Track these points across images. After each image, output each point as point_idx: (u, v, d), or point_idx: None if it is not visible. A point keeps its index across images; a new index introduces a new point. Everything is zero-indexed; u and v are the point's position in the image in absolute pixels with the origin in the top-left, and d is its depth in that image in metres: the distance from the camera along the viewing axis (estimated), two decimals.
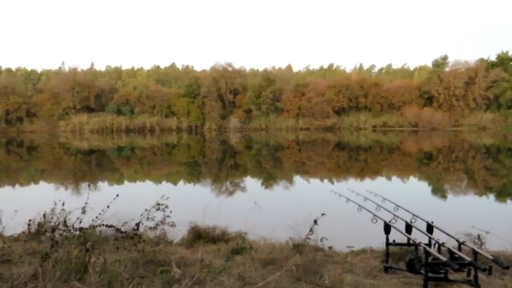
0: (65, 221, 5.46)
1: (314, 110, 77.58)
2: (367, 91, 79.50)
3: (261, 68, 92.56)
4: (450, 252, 4.57)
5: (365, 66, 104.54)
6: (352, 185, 14.80)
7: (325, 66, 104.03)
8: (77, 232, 5.04)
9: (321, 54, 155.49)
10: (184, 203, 11.97)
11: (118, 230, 5.95)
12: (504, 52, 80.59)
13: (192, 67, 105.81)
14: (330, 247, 6.54)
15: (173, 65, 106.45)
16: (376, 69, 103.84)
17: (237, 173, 21.74)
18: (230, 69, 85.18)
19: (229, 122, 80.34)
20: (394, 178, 19.85)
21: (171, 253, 5.87)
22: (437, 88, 77.01)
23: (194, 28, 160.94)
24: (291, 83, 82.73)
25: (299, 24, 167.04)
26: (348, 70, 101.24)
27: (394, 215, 5.63)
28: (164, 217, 6.43)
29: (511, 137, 54.42)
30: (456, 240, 4.94)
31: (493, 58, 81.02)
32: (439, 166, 24.70)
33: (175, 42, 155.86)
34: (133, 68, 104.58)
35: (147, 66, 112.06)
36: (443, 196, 14.81)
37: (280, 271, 4.85)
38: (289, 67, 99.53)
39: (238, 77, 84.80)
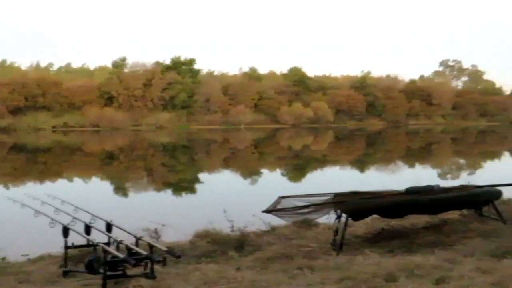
0: None
1: None
2: (46, 90, 75.85)
3: None
4: (128, 248, 4.71)
5: (43, 64, 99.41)
6: (30, 189, 13.91)
7: None
8: None
9: None
10: None
11: None
12: (177, 56, 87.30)
13: None
14: (3, 258, 6.05)
15: None
16: (55, 68, 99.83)
17: None
18: None
19: None
20: (75, 179, 19.47)
21: None
22: (117, 88, 78.46)
23: None
24: None
25: None
26: (23, 68, 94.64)
27: (74, 217, 5.49)
28: None
29: (185, 135, 59.28)
30: (134, 236, 5.12)
31: (168, 61, 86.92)
32: (121, 165, 25.27)
33: None
34: None
35: None
36: (124, 194, 15.20)
37: None
38: None
39: None
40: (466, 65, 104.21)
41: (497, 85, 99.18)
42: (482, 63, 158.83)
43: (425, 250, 5.47)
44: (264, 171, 21.64)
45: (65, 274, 5.16)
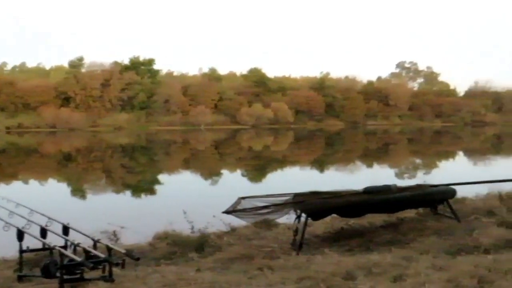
0: None
1: None
2: (0, 90, 73.78)
3: None
4: (85, 251, 4.62)
5: None
6: None
7: None
8: None
9: None
10: None
11: None
12: (136, 56, 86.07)
13: None
14: None
15: None
16: (9, 67, 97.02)
17: None
18: None
19: None
20: (31, 181, 19.00)
21: None
22: (74, 88, 76.83)
23: None
24: None
25: None
26: None
27: (29, 220, 5.35)
28: None
29: (144, 136, 58.59)
30: (92, 239, 5.03)
31: (126, 61, 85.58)
32: (78, 167, 24.79)
33: None
34: None
35: None
36: (82, 196, 14.92)
37: None
38: None
39: None
40: (421, 66, 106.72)
41: (452, 87, 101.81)
42: (437, 64, 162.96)
43: (383, 249, 5.57)
44: (225, 172, 21.62)
45: (20, 278, 5.02)
